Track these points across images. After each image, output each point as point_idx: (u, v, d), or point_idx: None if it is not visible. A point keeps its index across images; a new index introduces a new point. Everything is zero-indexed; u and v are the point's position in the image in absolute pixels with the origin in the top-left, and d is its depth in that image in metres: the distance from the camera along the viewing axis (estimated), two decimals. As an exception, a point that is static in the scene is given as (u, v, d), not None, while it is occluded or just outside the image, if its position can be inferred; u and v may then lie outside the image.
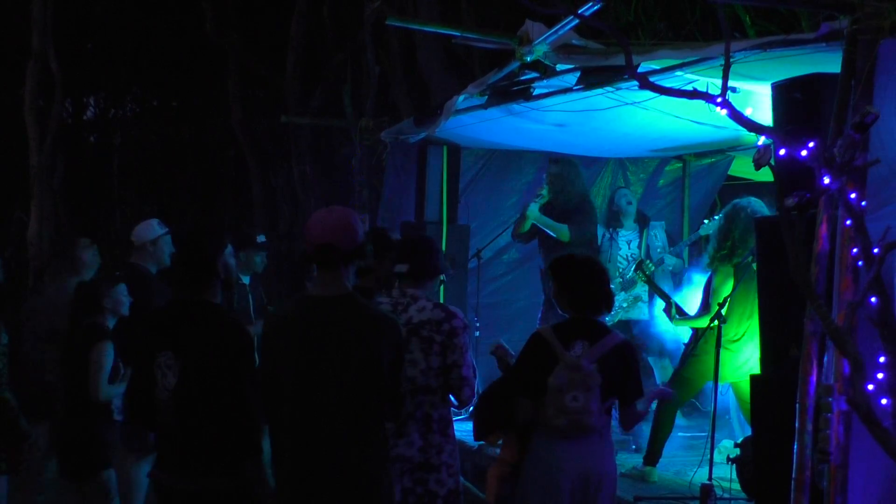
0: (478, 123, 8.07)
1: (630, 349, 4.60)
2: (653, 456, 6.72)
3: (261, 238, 7.58)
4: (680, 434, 7.61)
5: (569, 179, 7.91)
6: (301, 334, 3.71)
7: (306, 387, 3.67)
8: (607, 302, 4.61)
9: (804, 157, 4.01)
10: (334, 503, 3.65)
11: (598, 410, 4.38)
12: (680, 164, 9.58)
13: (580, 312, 4.57)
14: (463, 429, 8.18)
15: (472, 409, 8.30)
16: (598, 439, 4.44)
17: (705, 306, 6.79)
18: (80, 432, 5.71)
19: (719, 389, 6.42)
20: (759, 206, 6.70)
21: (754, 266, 6.54)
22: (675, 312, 7.03)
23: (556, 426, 4.35)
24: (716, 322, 6.41)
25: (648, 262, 7.71)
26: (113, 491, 5.75)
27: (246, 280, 7.41)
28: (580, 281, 4.58)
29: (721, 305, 6.43)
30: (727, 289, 6.62)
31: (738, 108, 4.16)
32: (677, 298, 7.22)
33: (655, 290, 7.45)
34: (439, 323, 4.37)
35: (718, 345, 6.41)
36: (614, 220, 8.30)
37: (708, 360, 6.55)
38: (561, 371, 4.34)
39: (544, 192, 7.97)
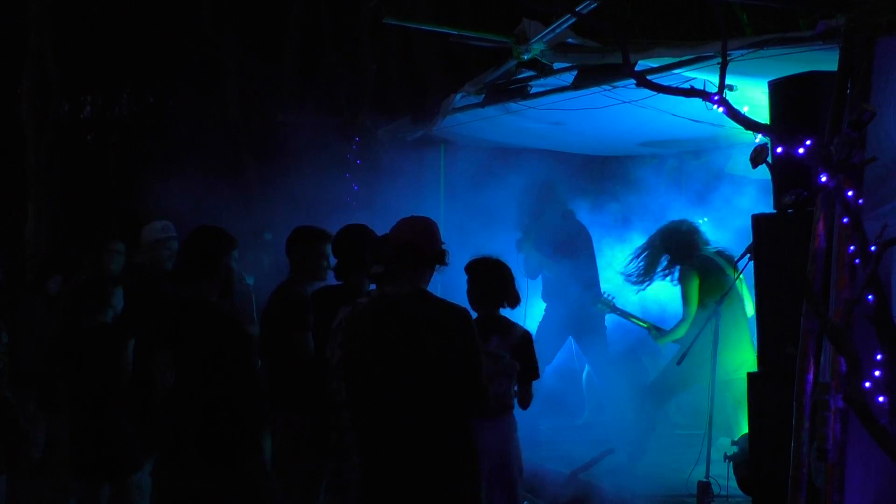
0: (475, 122, 8.07)
1: (530, 338, 5.12)
2: (638, 451, 6.77)
3: (268, 236, 7.56)
4: (677, 432, 7.64)
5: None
6: (379, 330, 3.90)
7: (386, 381, 3.84)
8: (512, 300, 5.11)
9: (801, 154, 4.02)
10: (420, 495, 3.80)
11: (513, 393, 5.02)
12: (677, 162, 9.58)
13: (491, 309, 5.06)
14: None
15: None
16: (511, 418, 5.01)
17: (683, 315, 6.99)
18: (106, 433, 5.57)
19: None
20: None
21: (719, 261, 6.85)
22: (655, 333, 7.19)
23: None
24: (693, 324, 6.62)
25: (606, 294, 7.83)
26: (144, 492, 5.62)
27: (250, 280, 7.40)
28: (491, 281, 5.09)
29: (719, 303, 6.49)
30: (695, 290, 6.86)
31: (735, 106, 4.16)
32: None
33: (626, 317, 7.62)
34: None
35: (716, 343, 6.46)
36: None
37: (693, 361, 6.66)
38: (486, 363, 4.48)
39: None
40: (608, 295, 7.80)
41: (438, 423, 3.84)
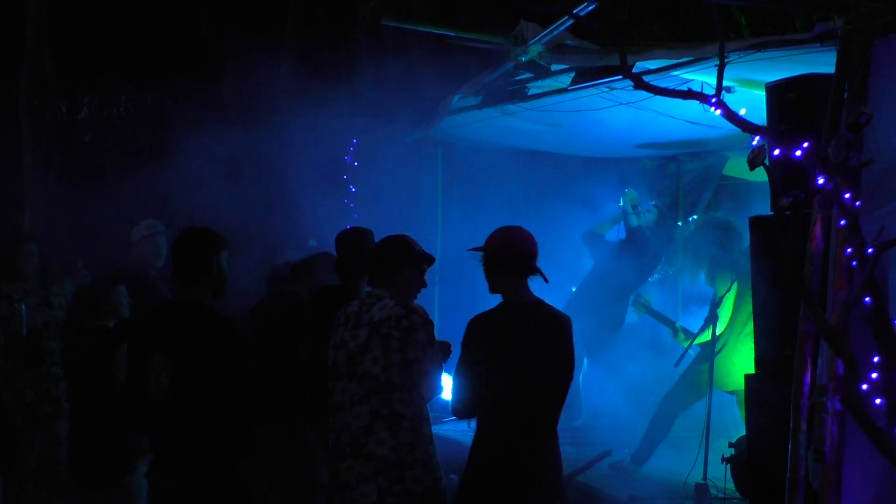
0: (472, 123, 8.06)
1: None
2: (641, 455, 6.76)
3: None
4: (675, 434, 7.63)
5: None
6: (512, 336, 4.24)
7: (515, 383, 4.21)
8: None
9: (799, 157, 4.02)
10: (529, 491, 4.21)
11: None
12: (675, 165, 9.58)
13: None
14: (457, 429, 8.18)
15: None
16: None
17: (709, 319, 6.84)
18: (99, 437, 5.58)
19: None
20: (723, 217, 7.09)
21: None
22: (682, 336, 7.13)
23: None
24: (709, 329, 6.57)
25: (643, 295, 7.79)
26: (137, 495, 5.61)
27: None
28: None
29: (716, 305, 6.51)
30: (731, 297, 6.69)
31: (732, 108, 4.16)
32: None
33: (658, 319, 7.56)
34: (398, 319, 4.38)
35: (713, 346, 6.46)
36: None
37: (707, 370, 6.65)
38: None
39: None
40: (644, 297, 7.77)
41: (552, 422, 4.33)
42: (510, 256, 4.32)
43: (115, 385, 5.35)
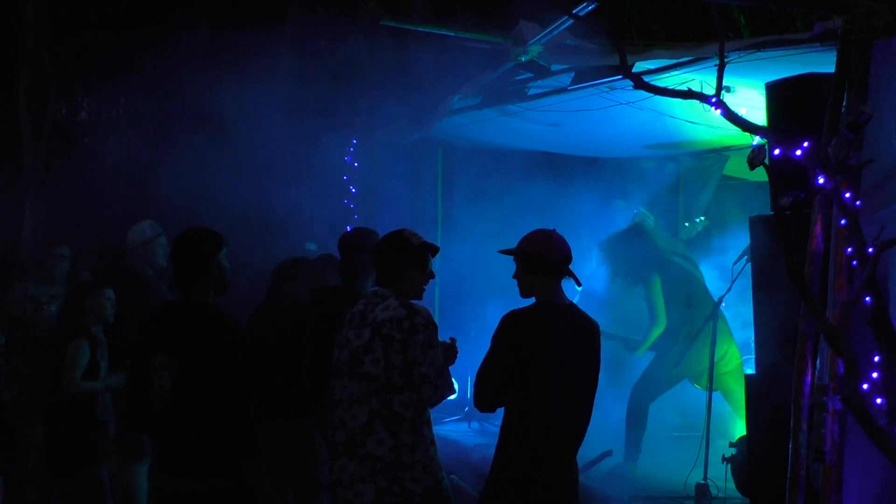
0: (472, 123, 8.07)
1: None
2: (631, 454, 6.80)
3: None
4: (675, 434, 7.65)
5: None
6: (550, 335, 4.23)
7: (552, 383, 4.21)
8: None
9: (799, 156, 4.02)
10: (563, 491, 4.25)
11: None
12: (675, 165, 9.58)
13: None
14: (458, 429, 8.19)
15: (466, 409, 8.35)
16: None
17: (652, 318, 7.02)
18: (63, 428, 5.70)
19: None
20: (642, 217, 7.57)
21: (676, 260, 7.00)
22: (632, 344, 7.21)
23: None
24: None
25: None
26: (104, 489, 5.72)
27: None
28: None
29: (717, 305, 6.54)
30: (659, 292, 6.94)
31: (732, 107, 4.16)
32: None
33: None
34: (400, 321, 4.35)
35: (713, 345, 6.48)
36: None
37: (672, 361, 6.85)
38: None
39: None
40: None
41: (586, 423, 4.34)
42: (550, 258, 4.32)
43: (62, 374, 5.58)
